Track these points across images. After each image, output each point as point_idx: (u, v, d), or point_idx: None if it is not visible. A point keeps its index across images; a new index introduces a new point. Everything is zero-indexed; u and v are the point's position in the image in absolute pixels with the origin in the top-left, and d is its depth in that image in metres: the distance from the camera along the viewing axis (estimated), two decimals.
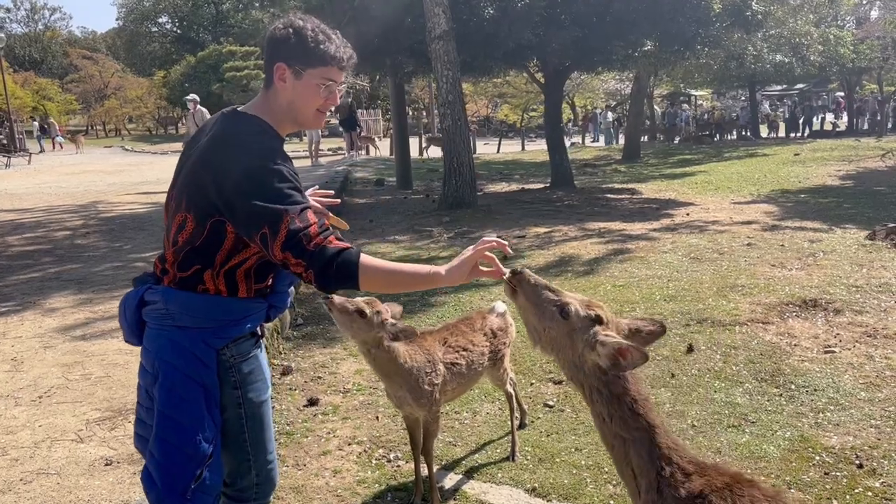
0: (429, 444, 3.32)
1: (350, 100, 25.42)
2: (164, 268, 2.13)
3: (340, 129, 26.19)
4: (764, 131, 35.52)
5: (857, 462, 3.51)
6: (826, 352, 4.97)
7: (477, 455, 3.82)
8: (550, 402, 4.41)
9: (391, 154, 20.29)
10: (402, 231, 10.29)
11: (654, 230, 9.73)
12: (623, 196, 14.03)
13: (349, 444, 3.96)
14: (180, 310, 2.08)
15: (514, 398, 3.88)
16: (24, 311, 6.27)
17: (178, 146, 23.93)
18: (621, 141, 28.73)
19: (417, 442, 3.36)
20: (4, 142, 29.75)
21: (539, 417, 4.22)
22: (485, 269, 2.05)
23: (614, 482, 3.39)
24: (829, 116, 39.05)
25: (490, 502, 3.39)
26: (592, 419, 2.00)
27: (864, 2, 36.67)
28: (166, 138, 43.90)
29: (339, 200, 2.55)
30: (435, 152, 23.33)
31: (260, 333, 2.26)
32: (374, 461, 3.78)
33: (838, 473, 3.43)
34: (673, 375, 4.69)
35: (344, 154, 24.86)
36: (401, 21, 12.82)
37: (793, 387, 4.43)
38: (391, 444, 3.94)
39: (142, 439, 2.18)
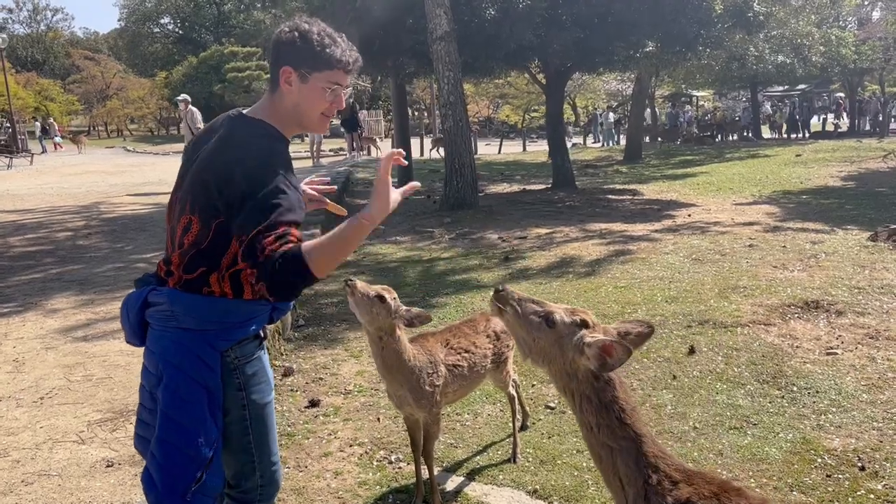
0: (429, 445, 3.31)
1: (352, 100, 25.44)
2: (168, 270, 2.12)
3: (342, 129, 26.19)
4: (766, 132, 35.50)
5: (860, 464, 3.50)
6: (828, 353, 4.96)
7: (478, 457, 3.81)
8: (552, 404, 4.40)
9: None
10: (404, 232, 10.29)
11: (656, 231, 9.72)
12: (624, 197, 14.03)
13: (350, 446, 3.96)
14: (185, 311, 2.08)
15: (515, 400, 3.88)
16: (26, 311, 6.27)
17: (180, 147, 23.92)
18: (621, 142, 28.74)
19: (418, 443, 3.35)
20: (6, 142, 29.79)
21: (540, 419, 4.22)
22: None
23: None
24: (830, 117, 39.01)
25: None
26: (580, 430, 2.01)
27: (866, 2, 36.60)
28: (168, 139, 43.94)
29: (334, 188, 2.53)
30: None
31: (263, 335, 2.26)
32: (375, 463, 3.77)
33: (840, 476, 3.43)
34: (674, 377, 4.69)
35: (345, 155, 24.87)
36: (402, 22, 12.83)
37: (795, 388, 4.42)
38: (392, 446, 3.94)
39: (142, 440, 2.18)
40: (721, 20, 13.34)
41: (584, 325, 1.96)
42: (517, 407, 3.90)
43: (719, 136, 33.04)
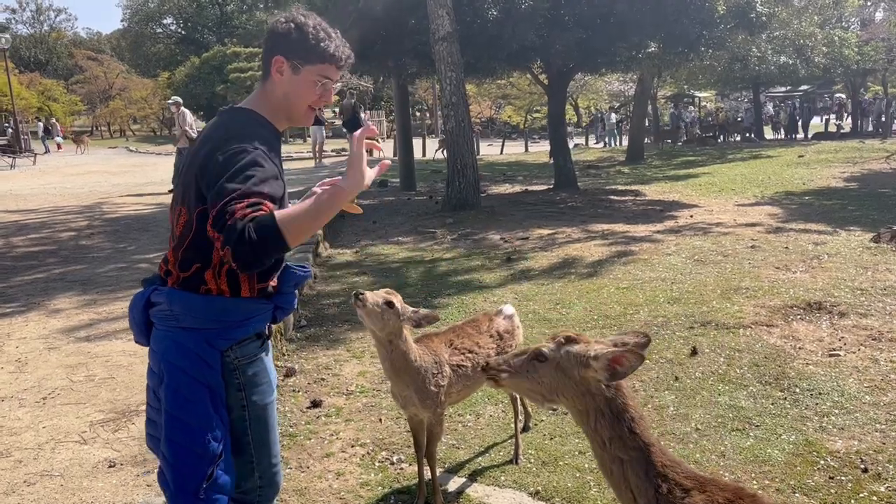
0: (433, 446, 3.31)
1: (354, 101, 25.43)
2: (167, 269, 2.15)
3: (344, 130, 26.20)
4: (768, 133, 35.45)
5: (862, 466, 3.50)
6: (831, 355, 4.95)
7: (480, 458, 3.81)
8: (554, 406, 4.39)
9: (394, 155, 20.28)
10: (406, 232, 10.29)
11: (658, 232, 9.71)
12: (627, 198, 14.02)
13: (352, 447, 3.96)
14: (184, 311, 2.09)
15: (518, 401, 3.87)
16: (29, 311, 6.29)
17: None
18: (624, 142, 28.71)
19: (421, 444, 3.35)
20: (10, 143, 29.85)
21: (542, 420, 4.21)
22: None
23: None
24: (832, 118, 38.96)
25: None
26: (592, 448, 2.02)
27: (869, 3, 36.55)
28: (171, 139, 43.93)
29: (377, 131, 2.24)
30: None
31: (267, 334, 2.26)
32: (377, 463, 3.77)
33: (843, 478, 3.42)
34: (676, 378, 4.68)
35: (348, 155, 24.87)
36: (404, 23, 12.83)
37: (797, 390, 4.42)
38: (394, 447, 3.94)
39: (154, 439, 2.20)
40: (723, 21, 13.32)
41: (569, 341, 2.00)
42: (519, 408, 3.90)
43: (721, 137, 32.99)
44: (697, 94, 41.22)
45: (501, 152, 30.23)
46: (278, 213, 1.81)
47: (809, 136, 32.64)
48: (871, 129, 33.65)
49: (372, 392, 4.69)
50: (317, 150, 21.42)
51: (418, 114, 40.42)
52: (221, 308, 2.10)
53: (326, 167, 20.50)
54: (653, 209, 12.17)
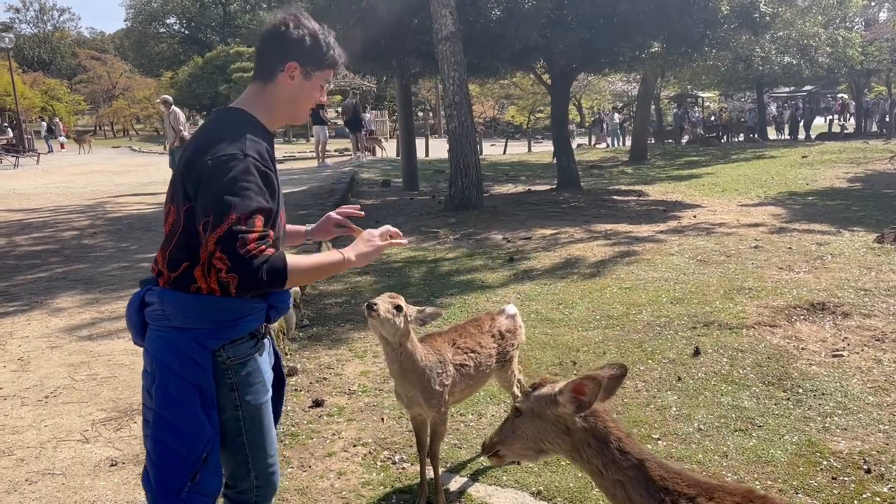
0: (436, 445, 3.31)
1: (355, 101, 25.44)
2: (158, 269, 2.16)
3: (346, 130, 26.21)
4: (772, 133, 35.39)
5: (865, 467, 3.49)
6: (834, 355, 4.94)
7: (482, 458, 3.80)
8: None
9: (397, 155, 20.29)
10: (408, 232, 10.29)
11: (661, 232, 9.69)
12: (630, 198, 14.00)
13: (354, 446, 3.95)
14: (175, 310, 2.09)
15: None
16: (31, 310, 6.29)
17: None
18: (626, 142, 28.67)
19: (423, 444, 3.35)
20: (13, 142, 29.91)
21: None
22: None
23: None
24: (835, 119, 38.90)
25: None
26: (593, 481, 2.06)
27: (873, 3, 36.48)
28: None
29: (363, 214, 2.60)
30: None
31: (263, 333, 2.25)
32: (379, 463, 3.77)
33: (846, 478, 3.41)
34: (679, 378, 4.67)
35: (350, 155, 24.89)
36: (407, 22, 12.81)
37: (800, 391, 4.40)
38: (396, 446, 3.94)
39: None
40: (727, 21, 13.28)
41: (536, 387, 2.09)
42: None
43: (725, 137, 32.94)
44: (701, 94, 41.19)
45: (504, 152, 30.21)
46: (290, 263, 1.97)
47: (812, 136, 32.57)
48: (875, 129, 33.58)
49: (374, 391, 4.69)
50: (319, 149, 21.40)
51: (421, 114, 40.42)
52: (212, 307, 2.09)
53: (329, 167, 20.49)
54: (656, 209, 12.15)
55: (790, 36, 23.38)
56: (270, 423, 2.28)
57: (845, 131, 33.24)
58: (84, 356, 5.09)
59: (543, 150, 28.04)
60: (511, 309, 3.80)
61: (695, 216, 11.11)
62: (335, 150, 27.06)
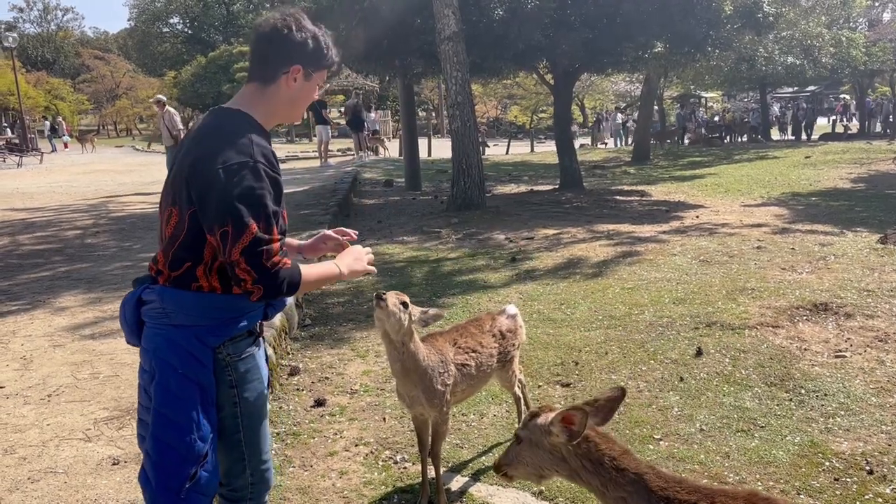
0: (437, 445, 3.31)
1: (357, 101, 25.45)
2: (157, 269, 2.16)
3: (348, 129, 26.22)
4: (775, 134, 35.34)
5: (868, 468, 3.48)
6: (836, 356, 4.93)
7: (484, 457, 3.80)
8: (558, 405, 4.38)
9: (400, 155, 20.28)
10: (411, 232, 10.29)
11: (664, 232, 9.69)
12: (632, 198, 13.99)
13: (356, 446, 3.96)
14: (176, 308, 2.10)
15: (521, 401, 3.87)
16: (34, 309, 6.30)
17: None
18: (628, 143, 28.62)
19: (425, 443, 3.35)
20: (17, 141, 29.97)
21: None
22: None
23: None
24: (837, 119, 38.86)
25: None
26: (598, 499, 2.10)
27: (877, 4, 36.41)
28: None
29: (355, 238, 2.67)
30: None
31: (258, 332, 2.27)
32: (380, 463, 3.77)
33: (848, 479, 3.40)
34: (681, 379, 4.66)
35: (353, 155, 24.90)
36: (410, 22, 12.81)
37: (803, 391, 4.40)
38: (398, 446, 3.94)
39: (143, 439, 2.19)
40: (730, 21, 13.27)
41: (533, 416, 2.15)
42: (523, 408, 3.89)
43: (728, 138, 32.89)
44: (704, 94, 41.15)
45: (507, 152, 30.20)
46: (303, 275, 2.09)
47: (813, 137, 32.49)
48: (878, 129, 33.52)
49: (376, 391, 4.69)
50: (322, 149, 21.42)
51: (423, 113, 40.41)
52: (213, 305, 2.10)
53: (331, 167, 20.50)
54: (658, 209, 12.14)
55: (794, 36, 23.38)
56: (266, 421, 2.30)
57: (849, 132, 33.16)
58: (87, 355, 5.10)
59: (546, 151, 28.02)
60: (511, 309, 3.80)
61: (697, 216, 11.10)
62: (338, 150, 27.07)
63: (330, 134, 22.24)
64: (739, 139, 33.28)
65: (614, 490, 1.99)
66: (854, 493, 3.29)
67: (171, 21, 61.50)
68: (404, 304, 2.96)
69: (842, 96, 44.49)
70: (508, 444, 2.24)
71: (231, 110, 2.17)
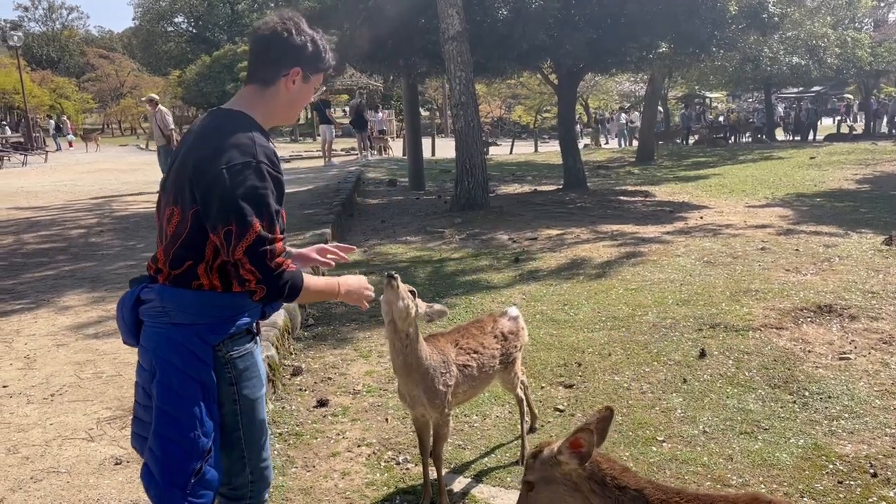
0: (439, 447, 3.30)
1: (361, 100, 25.46)
2: (157, 267, 2.17)
3: (352, 129, 26.23)
4: (780, 134, 35.25)
5: (872, 471, 3.47)
6: (841, 358, 4.91)
7: (486, 459, 3.80)
8: (561, 407, 4.38)
9: (404, 154, 20.29)
10: (414, 232, 10.29)
11: (668, 233, 9.67)
12: (636, 198, 13.96)
13: (358, 446, 3.95)
14: (176, 307, 2.12)
15: (524, 402, 3.86)
16: (38, 308, 6.31)
17: None
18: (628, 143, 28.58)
19: (426, 445, 3.35)
20: (22, 140, 30.04)
21: (549, 422, 4.20)
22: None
23: None
24: (842, 119, 38.74)
25: None
26: None
27: (882, 4, 36.30)
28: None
29: (348, 260, 2.72)
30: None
31: (256, 331, 2.29)
32: (382, 463, 3.77)
33: (852, 482, 3.39)
34: (685, 380, 4.65)
35: (356, 154, 24.92)
36: (414, 22, 12.82)
37: (806, 393, 4.38)
38: (400, 447, 3.93)
39: (140, 438, 2.21)
40: (735, 21, 13.24)
41: (535, 456, 2.17)
42: (525, 409, 3.89)
43: (732, 138, 32.81)
44: (708, 94, 41.09)
45: (511, 152, 30.18)
46: (305, 283, 2.13)
47: (817, 137, 32.37)
48: (884, 130, 33.41)
49: (378, 392, 4.69)
50: (326, 149, 21.43)
51: (427, 113, 40.40)
52: (213, 303, 2.13)
53: (335, 166, 20.50)
54: (662, 210, 12.12)
55: (799, 36, 23.32)
56: (265, 419, 2.31)
57: (854, 132, 33.06)
58: (90, 354, 5.10)
59: (550, 151, 27.99)
60: (513, 311, 3.80)
61: (701, 217, 11.07)
62: (341, 150, 27.08)
63: (334, 133, 22.25)
64: (744, 139, 33.19)
65: None
66: (858, 497, 3.27)
67: (176, 20, 61.56)
68: (412, 293, 2.97)
69: (845, 96, 44.35)
70: (518, 498, 2.21)
71: (231, 111, 2.19)
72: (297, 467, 3.71)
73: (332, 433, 4.12)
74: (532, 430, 4.03)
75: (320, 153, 22.60)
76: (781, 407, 4.23)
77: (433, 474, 3.35)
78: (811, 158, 20.52)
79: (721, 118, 39.44)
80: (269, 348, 4.69)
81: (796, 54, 24.93)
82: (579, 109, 36.48)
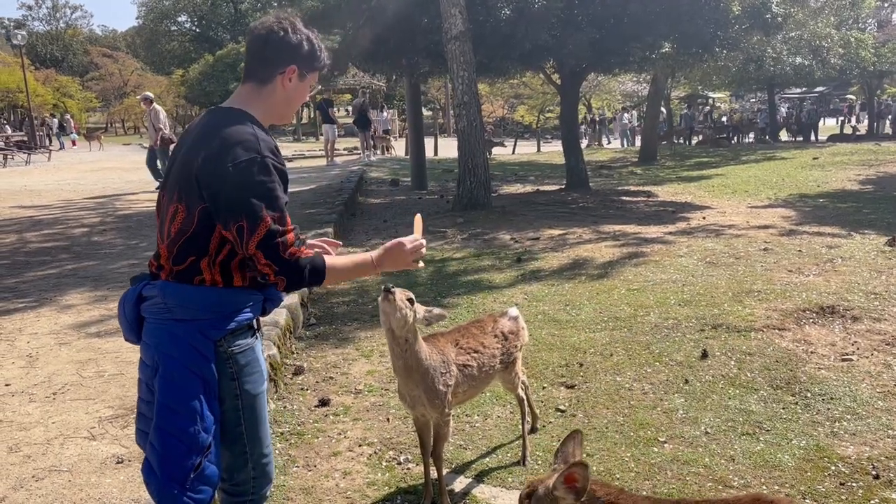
0: (439, 447, 3.30)
1: (364, 100, 25.45)
2: (159, 264, 2.20)
3: (355, 128, 26.24)
4: (783, 135, 35.19)
5: (874, 472, 3.46)
6: (843, 360, 4.90)
7: (487, 459, 3.80)
8: (562, 407, 4.38)
9: (406, 154, 20.28)
10: None
11: (670, 233, 9.65)
12: (639, 199, 13.95)
13: (360, 446, 3.95)
14: (177, 303, 2.14)
15: (525, 402, 3.86)
16: (41, 307, 6.32)
17: None
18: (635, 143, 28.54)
19: (426, 445, 3.34)
20: (25, 138, 30.10)
21: (550, 422, 4.20)
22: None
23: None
24: (846, 120, 38.67)
25: None
26: None
27: (886, 5, 36.22)
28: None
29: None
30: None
31: (256, 327, 2.30)
32: (384, 463, 3.77)
33: (854, 484, 3.38)
34: (686, 381, 4.65)
35: (359, 154, 24.93)
36: (417, 21, 12.81)
37: (809, 395, 4.38)
38: (402, 447, 3.93)
39: (143, 434, 2.23)
40: (738, 21, 13.21)
41: (530, 495, 2.15)
42: (527, 409, 3.88)
43: (735, 138, 32.76)
44: (711, 94, 41.02)
45: (513, 152, 30.16)
46: (328, 264, 2.17)
47: (819, 138, 32.30)
48: (888, 131, 33.34)
49: (380, 391, 4.69)
50: (329, 148, 21.44)
51: (430, 113, 40.39)
52: (215, 298, 2.15)
53: (338, 165, 20.52)
54: (665, 210, 12.10)
55: (802, 37, 23.27)
56: (265, 415, 2.33)
57: (857, 133, 32.99)
58: (92, 353, 5.11)
59: (553, 150, 27.97)
60: (513, 311, 3.80)
61: (704, 217, 11.06)
62: (344, 149, 27.09)
63: (336, 133, 22.25)
64: (746, 139, 33.14)
65: None
66: (860, 498, 3.27)
67: (180, 19, 61.59)
68: (410, 301, 2.97)
69: (847, 97, 44.27)
70: None
71: (230, 109, 2.22)
72: (298, 466, 3.72)
73: (333, 432, 4.12)
74: (533, 430, 4.03)
75: (323, 152, 22.61)
76: (783, 408, 4.22)
77: (434, 474, 3.35)
78: (814, 159, 20.48)
79: (724, 118, 39.38)
80: (271, 347, 4.70)
81: (800, 55, 24.89)
82: (582, 110, 36.43)
